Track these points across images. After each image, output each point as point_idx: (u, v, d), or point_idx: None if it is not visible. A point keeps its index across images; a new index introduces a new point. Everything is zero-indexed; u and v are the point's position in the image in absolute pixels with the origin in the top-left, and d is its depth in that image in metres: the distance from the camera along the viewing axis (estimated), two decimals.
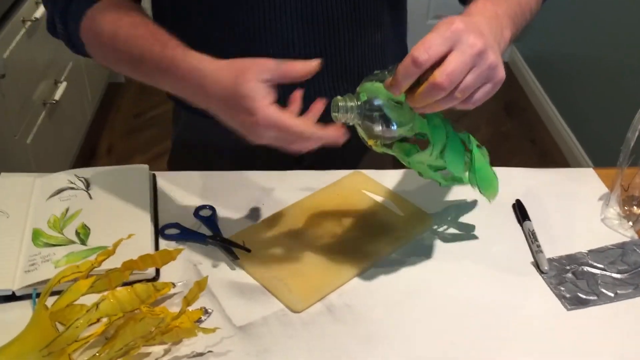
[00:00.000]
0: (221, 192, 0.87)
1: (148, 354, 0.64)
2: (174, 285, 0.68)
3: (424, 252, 0.78)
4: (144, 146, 2.57)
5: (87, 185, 0.85)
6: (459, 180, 0.76)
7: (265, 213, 0.83)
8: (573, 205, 0.86)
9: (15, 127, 1.80)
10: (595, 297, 0.72)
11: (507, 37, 0.69)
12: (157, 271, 0.74)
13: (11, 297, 0.70)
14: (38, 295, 0.69)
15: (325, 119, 0.66)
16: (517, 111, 2.89)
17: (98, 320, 0.60)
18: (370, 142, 0.70)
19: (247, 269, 0.75)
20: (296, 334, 0.67)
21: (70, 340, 0.58)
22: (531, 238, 0.79)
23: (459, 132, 0.70)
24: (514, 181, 0.89)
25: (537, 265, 0.76)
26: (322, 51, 0.86)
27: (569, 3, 2.51)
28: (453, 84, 0.59)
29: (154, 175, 0.90)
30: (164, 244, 0.78)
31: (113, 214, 0.81)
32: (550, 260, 0.77)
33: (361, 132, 0.70)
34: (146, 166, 0.89)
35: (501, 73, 0.62)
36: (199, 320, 0.68)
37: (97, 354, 0.60)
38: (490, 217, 0.84)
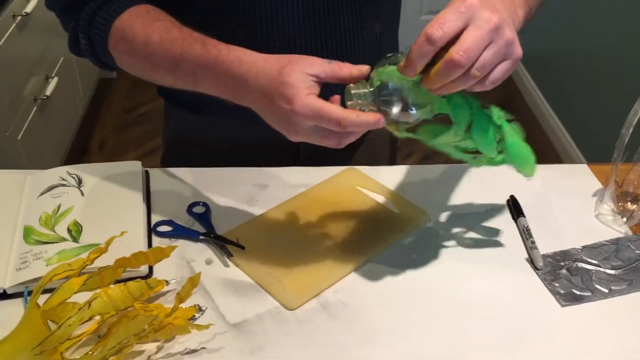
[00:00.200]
0: (215, 188, 0.86)
1: (141, 352, 0.64)
2: (167, 282, 0.68)
3: (419, 249, 0.78)
4: (137, 142, 2.56)
5: (79, 182, 0.84)
6: (490, 162, 0.70)
7: (260, 210, 0.83)
8: (567, 201, 0.86)
9: (6, 123, 1.78)
10: (589, 293, 0.72)
11: (520, 15, 0.67)
12: (151, 269, 0.73)
13: (2, 295, 0.70)
14: (29, 293, 0.69)
15: None
16: (511, 109, 2.88)
17: (90, 319, 0.60)
18: (392, 128, 0.66)
19: (241, 266, 0.75)
20: (290, 331, 0.67)
21: (63, 339, 0.57)
22: (526, 234, 0.79)
23: (486, 108, 0.66)
24: (508, 178, 0.89)
25: (531, 261, 0.76)
26: (324, 43, 0.86)
27: (563, 1, 2.51)
28: (470, 61, 0.57)
29: (147, 172, 0.89)
30: (157, 241, 0.78)
31: (105, 211, 0.80)
32: (544, 257, 0.77)
33: None
34: (139, 162, 0.88)
35: (519, 50, 0.60)
36: (193, 318, 0.67)
37: (90, 352, 0.60)
38: (484, 213, 0.84)
